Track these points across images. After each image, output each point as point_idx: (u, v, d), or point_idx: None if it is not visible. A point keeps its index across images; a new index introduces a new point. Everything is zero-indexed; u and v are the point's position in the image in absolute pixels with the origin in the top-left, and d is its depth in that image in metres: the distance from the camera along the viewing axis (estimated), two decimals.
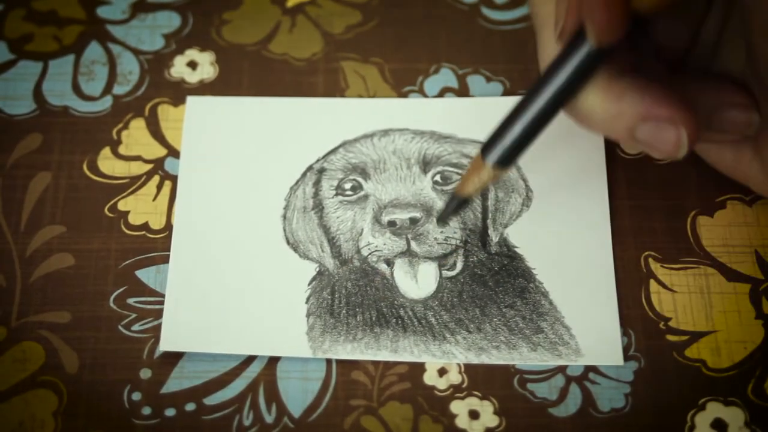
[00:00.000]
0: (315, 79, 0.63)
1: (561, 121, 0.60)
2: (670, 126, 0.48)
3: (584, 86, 0.48)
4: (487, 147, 0.51)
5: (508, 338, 0.55)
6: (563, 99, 0.49)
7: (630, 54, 0.49)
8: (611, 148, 0.60)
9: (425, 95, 0.62)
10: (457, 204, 0.54)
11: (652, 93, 0.48)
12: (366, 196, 0.58)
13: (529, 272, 0.57)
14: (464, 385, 0.54)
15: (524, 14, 0.64)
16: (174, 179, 0.60)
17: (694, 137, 0.48)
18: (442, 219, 0.57)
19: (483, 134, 0.60)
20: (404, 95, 0.62)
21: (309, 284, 0.57)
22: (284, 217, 0.58)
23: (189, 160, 0.60)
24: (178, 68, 0.63)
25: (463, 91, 0.62)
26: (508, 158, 0.51)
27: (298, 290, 0.56)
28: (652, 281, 0.57)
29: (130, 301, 0.56)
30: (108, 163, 0.60)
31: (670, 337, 0.55)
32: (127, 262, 0.57)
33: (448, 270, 0.57)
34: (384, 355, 0.55)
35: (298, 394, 0.54)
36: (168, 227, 0.58)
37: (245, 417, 0.54)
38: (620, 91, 0.48)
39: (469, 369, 0.55)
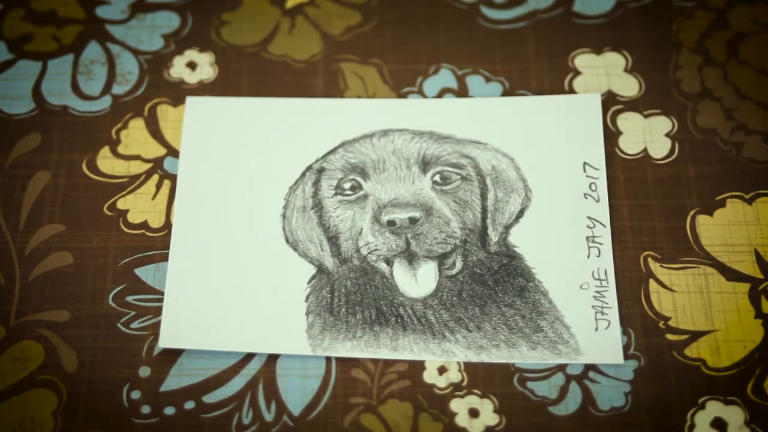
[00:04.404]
0: (314, 81, 0.63)
1: (560, 120, 0.60)
2: None
3: None
4: None
5: (508, 337, 0.55)
6: None
7: None
8: (611, 149, 0.60)
9: (424, 96, 0.62)
10: None
11: None
12: (365, 196, 0.58)
13: (528, 271, 0.57)
14: (464, 384, 0.54)
15: (524, 13, 0.64)
16: (173, 178, 0.60)
17: None
18: None
19: (482, 134, 0.60)
20: (403, 96, 0.62)
21: (308, 283, 0.57)
22: (284, 216, 0.58)
23: (188, 160, 0.60)
24: (178, 69, 0.63)
25: (462, 92, 0.62)
26: None
27: (298, 288, 0.56)
28: (651, 281, 0.57)
29: (129, 298, 0.56)
30: (107, 163, 0.60)
31: (670, 336, 0.55)
32: (127, 260, 0.57)
33: (447, 269, 0.57)
34: (384, 353, 0.55)
35: (297, 391, 0.54)
36: (167, 226, 0.58)
37: (245, 415, 0.54)
38: None
39: (469, 367, 0.55)
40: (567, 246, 0.57)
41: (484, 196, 0.59)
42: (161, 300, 0.56)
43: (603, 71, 0.62)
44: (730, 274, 0.57)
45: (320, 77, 0.63)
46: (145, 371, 0.55)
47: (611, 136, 0.61)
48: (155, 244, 0.58)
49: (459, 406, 0.54)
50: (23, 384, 0.55)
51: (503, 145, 0.60)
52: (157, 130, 0.61)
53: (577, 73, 0.62)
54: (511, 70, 0.62)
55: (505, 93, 0.62)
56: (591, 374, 0.54)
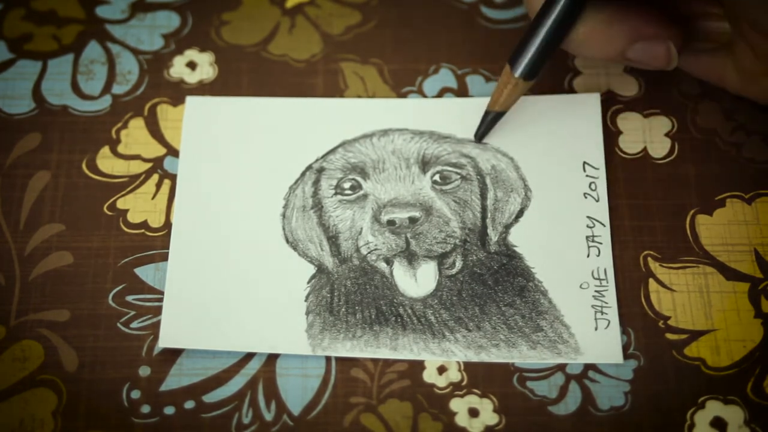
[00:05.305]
0: (314, 80, 0.63)
1: (560, 120, 0.60)
2: (659, 42, 0.55)
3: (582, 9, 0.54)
4: (513, 61, 0.56)
5: (508, 336, 0.55)
6: (568, 21, 0.55)
7: None
8: (611, 148, 0.60)
9: (424, 96, 0.62)
10: (492, 118, 0.59)
11: (637, 15, 0.55)
12: (365, 196, 0.58)
13: (528, 271, 0.57)
14: (464, 383, 0.54)
15: (524, 13, 0.64)
16: (173, 178, 0.60)
17: (680, 48, 0.56)
18: (480, 136, 0.60)
19: None
20: (403, 96, 0.62)
21: (308, 282, 0.57)
22: (283, 216, 0.58)
23: (188, 159, 0.60)
24: (178, 68, 0.63)
25: (462, 91, 0.62)
26: (532, 71, 0.56)
27: (298, 288, 0.56)
28: (651, 280, 0.57)
29: (129, 298, 0.56)
30: (107, 162, 0.60)
31: (670, 336, 0.55)
32: (126, 259, 0.57)
33: (447, 269, 0.57)
34: (383, 353, 0.55)
35: (297, 391, 0.54)
36: (167, 225, 0.58)
37: (244, 415, 0.54)
38: (607, 19, 0.54)
39: (469, 367, 0.55)
40: (567, 246, 0.57)
41: (483, 196, 0.59)
42: (161, 300, 0.56)
43: (603, 71, 0.62)
44: (730, 274, 0.57)
45: (320, 77, 0.63)
46: (145, 371, 0.55)
47: (611, 135, 0.61)
48: (155, 243, 0.58)
49: (459, 405, 0.54)
50: (23, 384, 0.55)
51: (503, 145, 0.60)
52: (157, 129, 0.61)
53: (577, 72, 0.62)
54: None
55: None
56: (591, 374, 0.54)
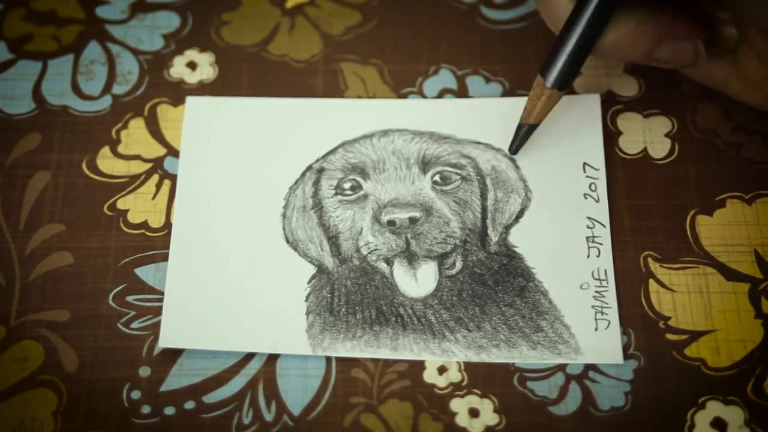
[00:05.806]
0: (314, 81, 0.63)
1: (560, 120, 0.60)
2: (687, 41, 0.55)
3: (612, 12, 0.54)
4: (545, 72, 0.56)
5: (508, 337, 0.55)
6: (597, 27, 0.54)
7: None
8: (611, 149, 0.60)
9: (424, 97, 0.62)
10: (526, 131, 0.59)
11: (664, 15, 0.54)
12: (365, 196, 0.58)
13: (528, 271, 0.57)
14: (464, 383, 0.54)
15: (524, 13, 0.64)
16: (173, 178, 0.60)
17: (707, 45, 0.55)
18: (515, 150, 0.60)
19: (482, 135, 0.60)
20: (403, 96, 0.62)
21: (308, 282, 0.57)
22: (284, 216, 0.58)
23: (188, 160, 0.60)
24: (178, 69, 0.63)
25: (462, 92, 0.62)
26: (565, 80, 0.56)
27: (298, 288, 0.56)
28: (651, 281, 0.57)
29: (130, 298, 0.56)
30: (107, 162, 0.60)
31: (670, 336, 0.55)
32: (127, 260, 0.57)
33: (447, 269, 0.57)
34: (384, 353, 0.55)
35: (297, 391, 0.54)
36: (167, 225, 0.58)
37: (245, 415, 0.54)
38: (636, 21, 0.54)
39: (469, 367, 0.55)
40: (567, 246, 0.57)
41: (484, 196, 0.59)
42: (161, 300, 0.56)
43: (603, 71, 0.62)
44: (730, 274, 0.57)
45: (320, 77, 0.63)
46: (145, 371, 0.55)
47: (611, 136, 0.61)
48: (155, 243, 0.58)
49: (459, 405, 0.54)
50: (23, 384, 0.55)
51: (503, 146, 0.60)
52: (157, 130, 0.61)
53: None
54: (512, 70, 0.63)
55: (505, 93, 0.62)
56: (591, 374, 0.54)
